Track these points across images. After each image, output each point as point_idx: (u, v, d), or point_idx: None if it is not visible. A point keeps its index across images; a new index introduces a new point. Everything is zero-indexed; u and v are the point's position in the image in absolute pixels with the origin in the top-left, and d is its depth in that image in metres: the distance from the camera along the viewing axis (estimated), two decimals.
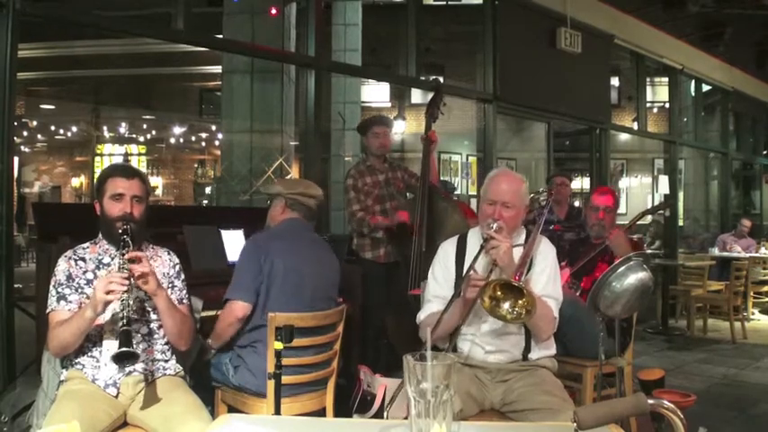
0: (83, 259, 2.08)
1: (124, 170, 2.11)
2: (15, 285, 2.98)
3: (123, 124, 14.46)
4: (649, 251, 7.34)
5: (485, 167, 5.58)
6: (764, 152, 11.31)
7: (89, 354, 2.01)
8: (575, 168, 11.51)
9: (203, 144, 15.05)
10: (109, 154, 15.15)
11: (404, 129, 12.13)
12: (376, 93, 12.81)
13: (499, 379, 2.14)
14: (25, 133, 14.06)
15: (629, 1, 6.63)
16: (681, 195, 9.27)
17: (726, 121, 9.30)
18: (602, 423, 1.11)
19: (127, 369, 1.97)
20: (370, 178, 3.84)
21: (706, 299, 6.35)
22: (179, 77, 13.34)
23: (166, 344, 2.12)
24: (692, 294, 6.29)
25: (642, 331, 6.14)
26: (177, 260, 2.25)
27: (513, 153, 11.80)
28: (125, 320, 1.81)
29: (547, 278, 2.15)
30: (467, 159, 11.88)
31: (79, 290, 2.03)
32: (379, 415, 2.89)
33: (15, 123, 3.13)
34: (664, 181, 7.91)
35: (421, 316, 2.25)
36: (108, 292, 1.81)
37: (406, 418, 1.34)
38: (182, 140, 14.75)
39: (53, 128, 14.41)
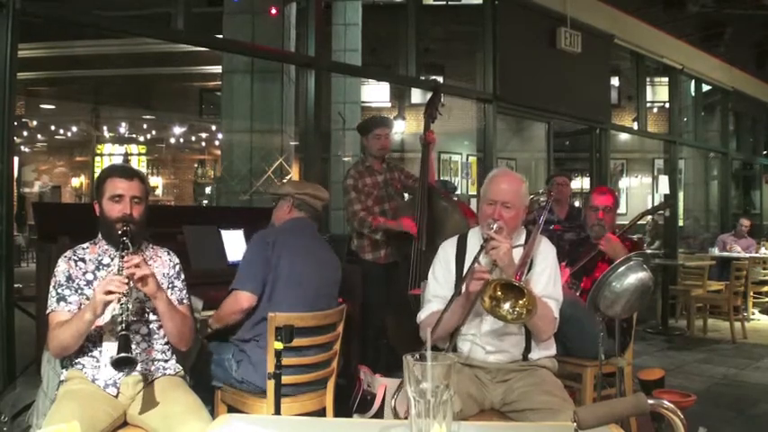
0: (82, 260, 2.08)
1: (123, 171, 2.10)
2: (15, 285, 2.98)
3: (123, 124, 14.46)
4: (649, 251, 7.33)
5: (485, 167, 5.58)
6: (764, 152, 11.31)
7: (89, 354, 2.01)
8: (575, 168, 11.52)
9: (203, 144, 15.05)
10: (109, 154, 15.15)
11: (404, 129, 12.14)
12: (376, 93, 12.81)
13: (499, 379, 2.14)
14: (25, 133, 14.06)
15: (629, 1, 6.63)
16: (681, 195, 9.27)
17: (726, 121, 9.30)
18: (602, 423, 1.11)
19: (126, 371, 1.97)
20: (370, 179, 3.84)
21: (706, 299, 6.35)
22: (179, 77, 13.34)
23: (166, 344, 2.12)
24: (692, 294, 6.29)
25: (642, 331, 6.14)
26: (177, 260, 2.25)
27: (513, 153, 11.79)
28: (124, 324, 1.81)
29: (547, 278, 2.15)
30: (467, 159, 11.87)
31: (79, 291, 2.03)
32: (379, 415, 2.89)
33: (15, 123, 3.13)
34: (664, 181, 7.91)
35: (421, 316, 2.25)
36: (107, 293, 1.81)
37: (406, 417, 1.34)
38: (182, 140, 14.75)
39: (53, 128, 14.41)
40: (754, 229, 8.03)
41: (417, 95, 12.29)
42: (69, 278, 2.03)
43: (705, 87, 9.03)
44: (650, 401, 1.10)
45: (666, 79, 8.68)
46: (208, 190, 14.71)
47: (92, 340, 2.00)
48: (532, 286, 2.03)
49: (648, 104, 9.62)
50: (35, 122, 13.98)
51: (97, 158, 15.03)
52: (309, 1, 4.35)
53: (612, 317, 2.45)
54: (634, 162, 13.86)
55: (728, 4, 6.95)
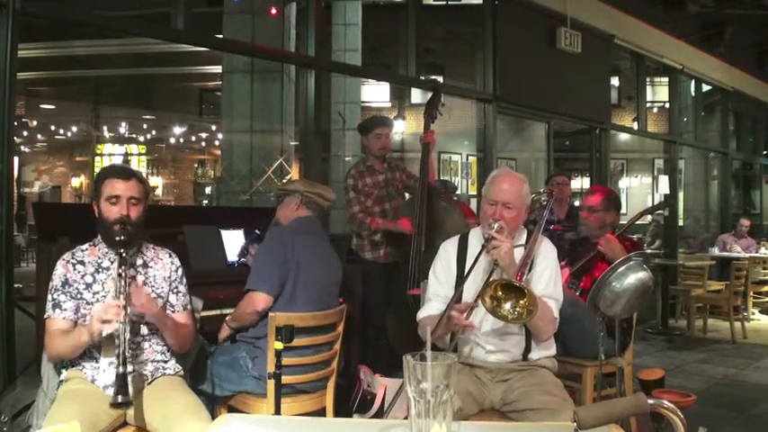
0: (81, 263, 2.06)
1: (120, 171, 2.08)
2: (15, 285, 2.98)
3: (123, 124, 14.46)
4: (649, 251, 7.33)
5: (485, 167, 5.58)
6: (764, 152, 11.31)
7: (89, 356, 2.01)
8: (575, 168, 11.52)
9: (203, 144, 15.05)
10: (109, 154, 15.16)
11: (404, 129, 12.14)
12: (376, 93, 12.82)
13: (499, 379, 2.14)
14: (25, 133, 14.06)
15: (629, 1, 6.63)
16: (681, 195, 9.27)
17: (726, 121, 9.30)
18: (602, 423, 1.11)
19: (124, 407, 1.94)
20: (370, 179, 3.84)
21: (706, 299, 6.34)
22: (179, 77, 13.34)
23: (166, 344, 2.12)
24: (692, 294, 6.29)
25: (642, 331, 6.14)
26: (179, 263, 2.23)
27: (513, 153, 11.79)
28: (121, 359, 1.78)
29: (548, 279, 2.15)
30: (467, 159, 11.87)
31: (78, 295, 2.02)
32: (379, 415, 2.89)
33: (15, 123, 3.13)
34: (664, 181, 7.90)
35: (420, 314, 2.25)
36: (104, 321, 1.79)
37: (406, 418, 1.34)
38: (182, 140, 14.75)
39: (53, 128, 14.41)
40: (754, 229, 8.03)
41: (417, 95, 12.29)
42: (66, 282, 2.02)
43: (705, 87, 9.02)
44: (650, 401, 1.10)
45: (666, 79, 8.68)
46: (208, 190, 14.70)
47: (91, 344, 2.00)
48: (533, 286, 2.04)
49: (648, 104, 9.63)
50: (35, 122, 13.98)
51: (97, 158, 15.03)
52: (309, 1, 4.35)
53: (612, 317, 2.44)
54: (634, 162, 13.86)
55: (728, 4, 6.96)
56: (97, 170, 15.24)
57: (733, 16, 7.28)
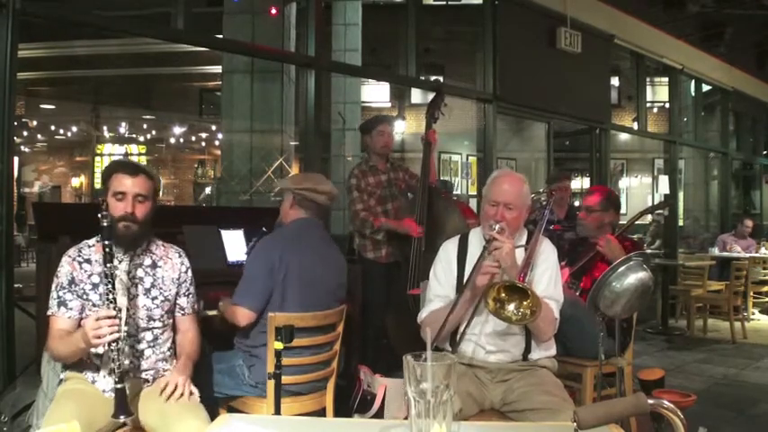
0: (87, 261, 2.02)
1: (128, 167, 2.03)
2: (15, 285, 2.97)
3: (123, 124, 14.47)
4: (649, 251, 7.33)
5: (485, 167, 5.58)
6: (764, 152, 11.30)
7: (88, 359, 2.00)
8: (575, 168, 11.50)
9: (203, 144, 15.06)
10: (109, 154, 15.16)
11: (404, 129, 12.14)
12: (376, 93, 12.82)
13: (499, 379, 2.14)
14: (25, 133, 14.07)
15: (629, 1, 6.63)
16: (681, 195, 9.27)
17: (726, 121, 9.30)
18: (603, 423, 1.11)
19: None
20: (373, 178, 3.84)
21: (706, 299, 6.34)
22: (179, 77, 13.35)
23: (170, 349, 2.12)
24: (692, 294, 6.29)
25: (642, 331, 6.14)
26: (188, 263, 2.19)
27: (513, 153, 11.79)
28: (117, 374, 1.75)
29: (548, 279, 2.15)
30: (467, 159, 11.88)
31: (84, 295, 1.99)
32: (379, 415, 2.89)
33: (15, 123, 3.13)
34: (664, 181, 7.90)
35: (422, 315, 2.25)
36: (97, 336, 1.76)
37: (405, 418, 1.34)
38: (182, 140, 14.76)
39: (53, 128, 14.42)
40: (755, 229, 8.01)
41: (417, 95, 12.30)
42: (72, 282, 1.98)
43: (705, 87, 9.02)
44: (650, 401, 1.10)
45: (666, 79, 8.68)
46: (208, 190, 14.71)
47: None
48: (534, 287, 2.04)
49: (648, 104, 9.63)
50: (35, 122, 13.99)
51: (97, 158, 15.04)
52: (309, 1, 4.35)
53: (612, 317, 2.44)
54: (634, 162, 13.87)
55: (728, 4, 6.96)
56: (97, 170, 15.35)
57: (733, 16, 7.28)
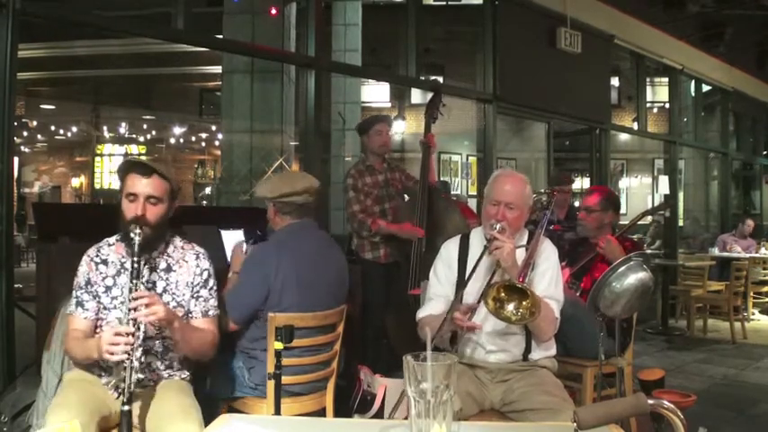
0: (104, 262, 1.98)
1: (141, 167, 1.93)
2: (15, 285, 2.97)
3: (123, 124, 14.48)
4: (649, 251, 7.33)
5: (485, 167, 5.58)
6: (764, 152, 11.30)
7: (96, 366, 1.99)
8: (575, 168, 11.50)
9: (203, 144, 15.07)
10: (109, 154, 15.17)
11: (404, 129, 12.13)
12: (376, 93, 12.81)
13: (499, 379, 2.14)
14: (25, 133, 14.08)
15: (629, 1, 6.63)
16: (681, 195, 9.26)
17: (726, 121, 9.30)
18: (602, 423, 1.11)
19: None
20: (370, 178, 3.84)
21: (706, 299, 6.34)
22: (179, 77, 13.35)
23: (181, 362, 2.06)
24: (692, 294, 6.29)
25: (642, 331, 6.14)
26: (207, 265, 2.08)
27: (513, 153, 11.79)
28: (126, 395, 1.68)
29: (549, 279, 2.15)
30: (467, 159, 11.88)
31: (97, 297, 1.96)
32: (379, 415, 2.89)
33: (15, 123, 3.12)
34: (664, 181, 7.91)
35: (420, 314, 2.25)
36: (110, 353, 1.71)
37: (405, 418, 1.34)
38: (182, 140, 14.76)
39: (53, 128, 14.43)
40: (755, 229, 8.02)
41: (417, 96, 12.29)
42: (88, 282, 1.96)
43: (705, 87, 9.02)
44: (650, 401, 1.10)
45: (666, 79, 8.68)
46: (208, 190, 14.71)
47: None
48: (534, 286, 2.04)
49: (648, 104, 9.62)
50: (35, 122, 14.00)
51: (97, 158, 15.04)
52: (309, 1, 4.35)
53: (612, 317, 2.45)
54: (634, 162, 13.86)
55: (728, 4, 6.95)
56: (97, 170, 15.36)
57: (733, 16, 7.27)
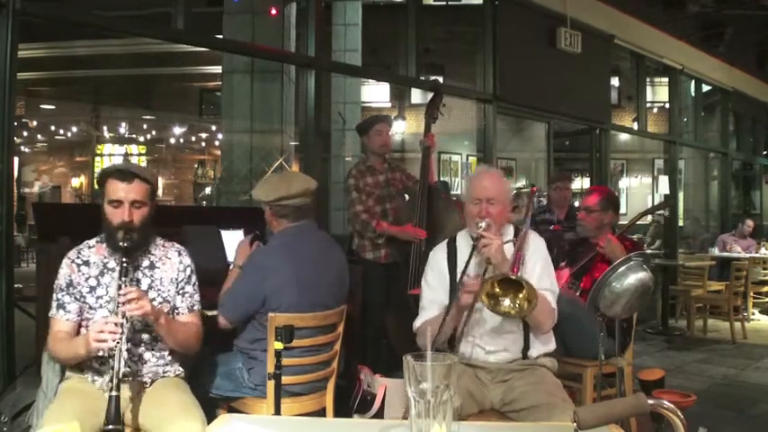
0: (86, 263, 2.02)
1: (122, 173, 1.97)
2: (15, 285, 2.97)
3: (123, 124, 14.47)
4: (649, 251, 7.33)
5: None
6: (764, 152, 11.30)
7: (89, 363, 2.00)
8: (575, 168, 11.51)
9: (203, 144, 15.06)
10: (109, 154, 15.16)
11: (404, 129, 12.14)
12: (376, 93, 12.81)
13: (499, 379, 2.14)
14: (25, 133, 14.07)
15: (629, 1, 6.63)
16: (681, 195, 9.27)
17: (726, 121, 9.30)
18: (602, 423, 1.11)
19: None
20: (371, 178, 3.84)
21: (706, 299, 6.34)
22: (179, 77, 13.34)
23: (171, 353, 2.09)
24: (692, 294, 6.29)
25: (642, 331, 6.14)
26: (189, 261, 2.15)
27: (513, 153, 11.80)
28: (115, 381, 1.71)
29: (540, 271, 2.16)
30: (467, 159, 11.89)
31: (81, 298, 1.99)
32: (379, 415, 2.89)
33: (15, 123, 3.12)
34: (664, 181, 7.91)
35: (417, 322, 2.25)
36: (99, 341, 1.75)
37: (405, 418, 1.34)
38: (182, 140, 14.76)
39: (53, 128, 14.42)
40: (755, 229, 8.02)
41: (417, 95, 12.29)
42: (70, 284, 1.99)
43: (705, 87, 9.02)
44: (650, 401, 1.10)
45: (666, 79, 8.68)
46: (208, 190, 14.70)
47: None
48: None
49: (648, 104, 9.62)
50: (35, 122, 13.99)
51: (97, 158, 15.04)
52: (309, 1, 4.35)
53: (612, 317, 2.45)
54: (634, 162, 13.86)
55: (728, 4, 6.95)
56: (97, 170, 15.33)
57: (733, 16, 7.27)
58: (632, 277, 2.36)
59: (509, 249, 2.11)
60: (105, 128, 14.63)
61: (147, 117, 14.08)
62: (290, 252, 2.43)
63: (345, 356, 2.70)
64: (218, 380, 2.43)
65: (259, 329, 2.39)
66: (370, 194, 3.80)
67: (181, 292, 2.10)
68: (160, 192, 14.84)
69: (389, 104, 13.26)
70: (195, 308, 2.15)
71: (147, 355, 2.04)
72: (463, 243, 2.25)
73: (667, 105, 9.17)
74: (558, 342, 2.27)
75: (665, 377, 3.10)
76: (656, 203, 10.74)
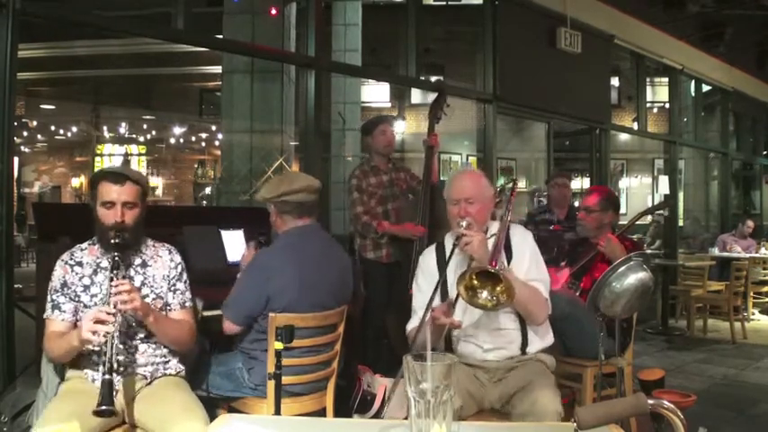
0: (79, 264, 2.05)
1: (113, 175, 2.02)
2: (15, 285, 2.97)
3: (123, 124, 14.46)
4: (649, 251, 7.33)
5: (485, 168, 5.58)
6: (764, 152, 11.30)
7: (89, 358, 2.01)
8: (575, 168, 11.52)
9: (203, 144, 15.04)
10: (109, 154, 15.15)
11: (404, 129, 12.14)
12: (376, 93, 12.80)
13: (497, 378, 2.15)
14: (25, 133, 14.06)
15: (629, 1, 6.63)
16: (681, 195, 9.26)
17: (726, 121, 9.29)
18: (602, 423, 1.11)
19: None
20: (375, 179, 3.84)
21: (706, 299, 6.34)
22: (179, 77, 13.33)
23: (167, 347, 2.11)
24: (692, 294, 6.29)
25: (642, 331, 6.14)
26: (179, 259, 2.19)
27: (513, 153, 11.79)
28: (107, 365, 1.73)
29: (528, 262, 2.17)
30: (467, 159, 11.87)
31: (76, 298, 2.01)
32: (379, 415, 2.89)
33: (15, 123, 3.12)
34: (664, 181, 7.90)
35: (408, 327, 2.25)
36: (92, 331, 1.76)
37: (406, 418, 1.34)
38: (182, 140, 14.75)
39: (53, 128, 14.41)
40: (755, 229, 8.02)
41: (417, 96, 12.28)
42: (65, 284, 2.01)
43: (705, 87, 9.02)
44: (650, 401, 1.10)
45: (666, 79, 8.68)
46: (208, 190, 14.69)
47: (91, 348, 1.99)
48: (516, 273, 2.06)
49: (648, 104, 9.62)
50: (35, 122, 13.98)
51: (97, 159, 15.02)
52: (309, 1, 4.35)
53: (612, 317, 2.45)
54: (634, 162, 13.86)
55: (728, 4, 6.95)
56: (97, 170, 15.31)
57: (733, 16, 7.27)
58: (632, 277, 2.36)
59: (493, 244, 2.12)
60: (105, 128, 14.61)
61: (147, 117, 14.07)
62: (294, 252, 2.42)
63: (345, 356, 2.70)
64: (218, 380, 2.43)
65: (259, 329, 2.39)
66: (372, 195, 3.80)
67: (172, 288, 2.13)
68: (160, 192, 14.87)
69: (389, 104, 13.26)
70: (187, 304, 2.17)
71: (143, 347, 2.05)
72: (451, 245, 2.26)
73: (667, 105, 9.17)
74: (558, 342, 2.27)
75: (665, 377, 3.11)
76: (656, 203, 10.74)
